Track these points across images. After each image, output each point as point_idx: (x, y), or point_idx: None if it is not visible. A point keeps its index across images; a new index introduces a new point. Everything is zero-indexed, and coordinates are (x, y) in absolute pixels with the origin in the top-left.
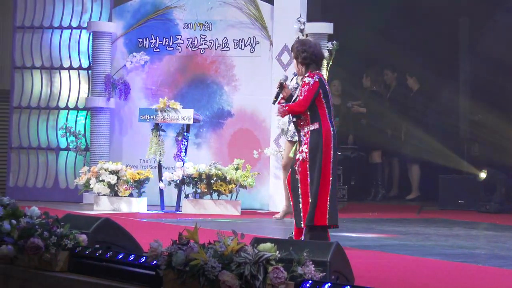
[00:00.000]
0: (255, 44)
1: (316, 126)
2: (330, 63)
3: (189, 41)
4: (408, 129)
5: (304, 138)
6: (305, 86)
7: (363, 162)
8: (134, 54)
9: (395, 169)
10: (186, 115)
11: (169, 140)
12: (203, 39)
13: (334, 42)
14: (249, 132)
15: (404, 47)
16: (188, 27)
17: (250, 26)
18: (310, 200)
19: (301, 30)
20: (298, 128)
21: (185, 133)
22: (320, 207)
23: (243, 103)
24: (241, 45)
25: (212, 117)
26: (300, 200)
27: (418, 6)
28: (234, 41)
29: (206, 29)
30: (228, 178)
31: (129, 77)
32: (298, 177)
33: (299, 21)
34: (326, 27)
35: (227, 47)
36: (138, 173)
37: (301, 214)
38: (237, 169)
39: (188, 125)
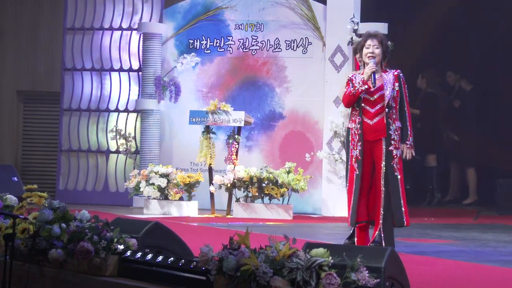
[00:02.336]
0: (308, 45)
1: (399, 124)
2: (384, 64)
3: (240, 42)
4: (464, 132)
5: (396, 133)
6: (406, 85)
7: (418, 166)
8: (185, 55)
9: (451, 172)
10: (237, 117)
11: (220, 143)
12: (255, 40)
13: (389, 42)
14: (301, 134)
15: (463, 46)
16: (239, 27)
17: (302, 27)
18: (401, 200)
19: (355, 31)
20: (388, 121)
21: (236, 136)
22: (406, 207)
23: (295, 105)
24: (293, 46)
25: (263, 120)
26: (401, 198)
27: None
28: (286, 42)
29: (258, 29)
30: (279, 181)
31: (180, 79)
32: (398, 175)
33: (352, 21)
34: (381, 27)
35: (279, 48)
36: (188, 177)
37: (401, 212)
38: (289, 172)
39: (239, 128)
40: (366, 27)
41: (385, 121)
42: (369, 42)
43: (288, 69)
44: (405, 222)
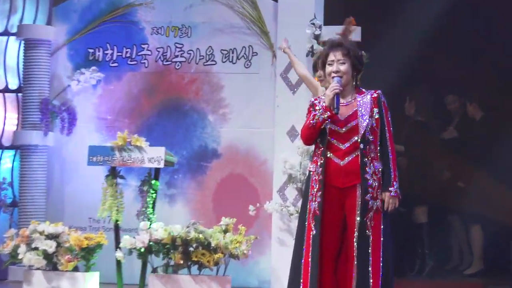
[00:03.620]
0: (252, 56)
1: (379, 165)
2: (357, 82)
3: (159, 51)
4: (467, 175)
5: (375, 178)
6: (388, 112)
7: (403, 222)
8: (83, 70)
9: (449, 231)
10: (154, 155)
11: (131, 191)
12: (179, 49)
13: (363, 53)
14: (243, 179)
15: (460, 61)
16: (158, 32)
17: (245, 31)
18: (371, 274)
19: (317, 37)
20: (364, 161)
21: (154, 181)
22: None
23: (235, 138)
24: (232, 57)
25: (191, 159)
26: (370, 272)
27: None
28: (223, 51)
29: (184, 35)
30: (213, 244)
31: (76, 102)
32: (369, 233)
33: (313, 24)
34: (352, 33)
35: (212, 60)
36: (86, 238)
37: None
38: (225, 231)
39: (157, 170)
40: (332, 32)
41: (359, 161)
42: (331, 56)
43: (225, 89)
44: None
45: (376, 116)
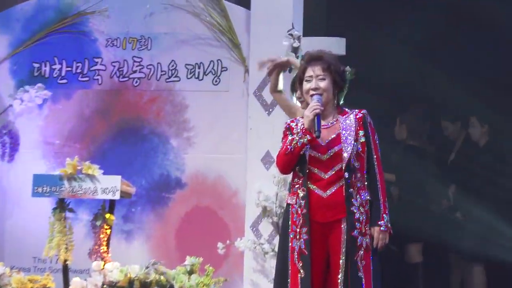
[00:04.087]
0: (221, 71)
1: (367, 195)
2: (342, 100)
3: (114, 66)
4: (468, 208)
5: (363, 211)
6: (376, 135)
7: (395, 262)
8: (27, 87)
9: (447, 273)
10: (109, 185)
11: (82, 226)
12: (138, 64)
13: (348, 68)
14: (210, 212)
15: (456, 77)
16: (113, 44)
17: (213, 43)
18: None
19: (295, 49)
20: (350, 192)
21: (108, 215)
22: None
23: (202, 165)
24: (199, 73)
25: (151, 189)
26: None
27: (479, 15)
28: (188, 66)
29: (143, 47)
30: (176, 287)
31: (18, 124)
32: (361, 275)
33: (291, 34)
34: (335, 44)
35: (176, 76)
36: (30, 281)
37: None
38: (190, 273)
39: (112, 202)
40: (312, 44)
41: (344, 192)
42: (309, 71)
43: (190, 109)
44: None
45: (362, 140)
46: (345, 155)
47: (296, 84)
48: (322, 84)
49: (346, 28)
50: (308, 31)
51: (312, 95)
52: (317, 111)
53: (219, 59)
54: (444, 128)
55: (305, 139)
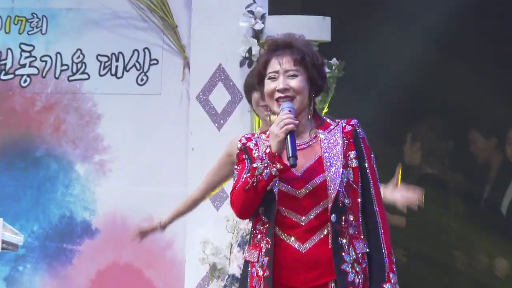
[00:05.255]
0: (150, 65)
1: (365, 246)
2: (326, 107)
3: None
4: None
5: (359, 269)
6: (372, 156)
7: None
8: None
9: None
10: None
11: None
12: (28, 54)
13: (335, 60)
14: (134, 272)
15: (489, 75)
16: None
17: (137, 24)
18: None
19: (257, 34)
20: (339, 243)
21: None
22: None
23: (121, 203)
24: (116, 67)
25: (46, 238)
26: None
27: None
28: (101, 58)
29: (35, 30)
30: None
31: None
32: None
33: (251, 12)
34: (315, 26)
35: (83, 73)
36: None
37: None
38: None
39: None
40: (282, 24)
41: (331, 243)
42: (274, 65)
43: (104, 122)
44: None
45: (354, 164)
46: (331, 189)
47: (255, 85)
48: (293, 83)
49: (331, 4)
50: (277, 7)
51: (278, 100)
52: (290, 126)
53: (146, 48)
54: (472, 142)
55: (274, 170)
